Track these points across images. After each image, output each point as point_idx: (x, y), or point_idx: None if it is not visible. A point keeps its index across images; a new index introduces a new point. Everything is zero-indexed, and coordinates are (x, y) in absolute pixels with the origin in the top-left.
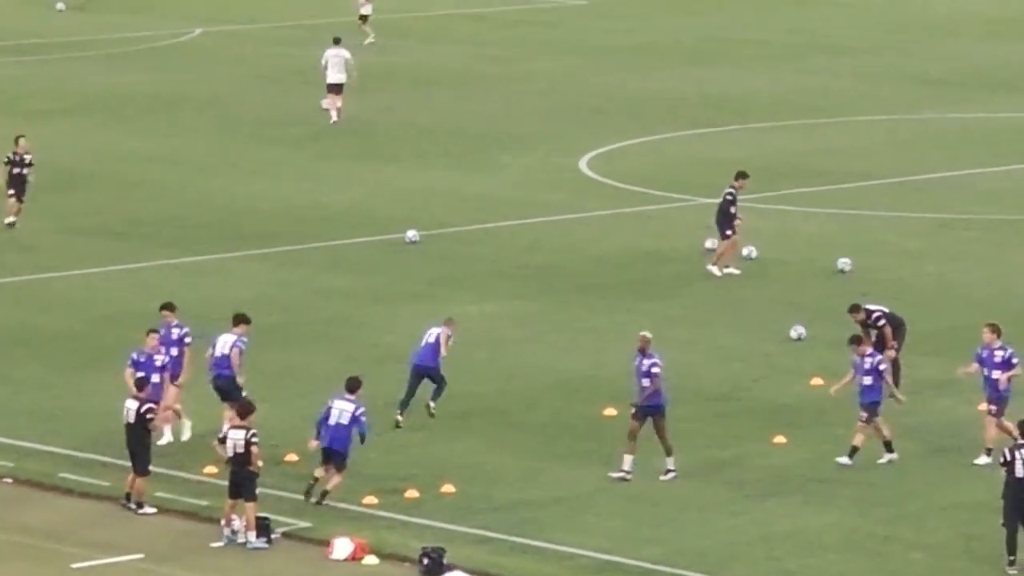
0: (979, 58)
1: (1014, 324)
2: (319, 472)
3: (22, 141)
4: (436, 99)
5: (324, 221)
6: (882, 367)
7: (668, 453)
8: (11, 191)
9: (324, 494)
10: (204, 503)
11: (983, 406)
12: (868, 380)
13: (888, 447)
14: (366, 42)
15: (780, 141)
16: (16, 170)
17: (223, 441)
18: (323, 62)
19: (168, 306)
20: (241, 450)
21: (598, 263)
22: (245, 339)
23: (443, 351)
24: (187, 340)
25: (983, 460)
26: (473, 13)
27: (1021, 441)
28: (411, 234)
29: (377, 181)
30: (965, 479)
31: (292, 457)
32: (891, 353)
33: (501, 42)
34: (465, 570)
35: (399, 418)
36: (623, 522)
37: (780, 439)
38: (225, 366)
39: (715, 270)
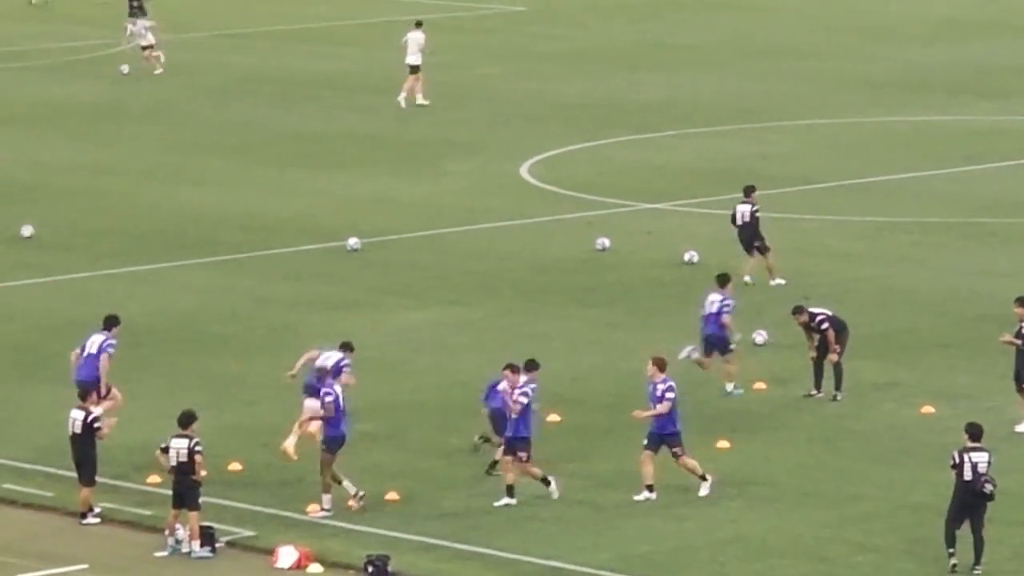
0: (921, 61)
1: (956, 327)
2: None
3: None
4: (377, 106)
5: (266, 229)
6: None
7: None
8: None
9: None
10: (148, 513)
11: (926, 409)
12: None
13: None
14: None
15: (721, 146)
16: None
17: (166, 451)
18: (403, 42)
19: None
20: (184, 459)
21: (540, 269)
22: (114, 342)
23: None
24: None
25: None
26: (414, 20)
27: (971, 444)
28: (352, 242)
29: (319, 189)
30: (909, 482)
31: (236, 466)
32: (833, 357)
33: (442, 49)
34: None
35: None
36: (567, 528)
37: (723, 444)
38: (91, 367)
39: (779, 280)
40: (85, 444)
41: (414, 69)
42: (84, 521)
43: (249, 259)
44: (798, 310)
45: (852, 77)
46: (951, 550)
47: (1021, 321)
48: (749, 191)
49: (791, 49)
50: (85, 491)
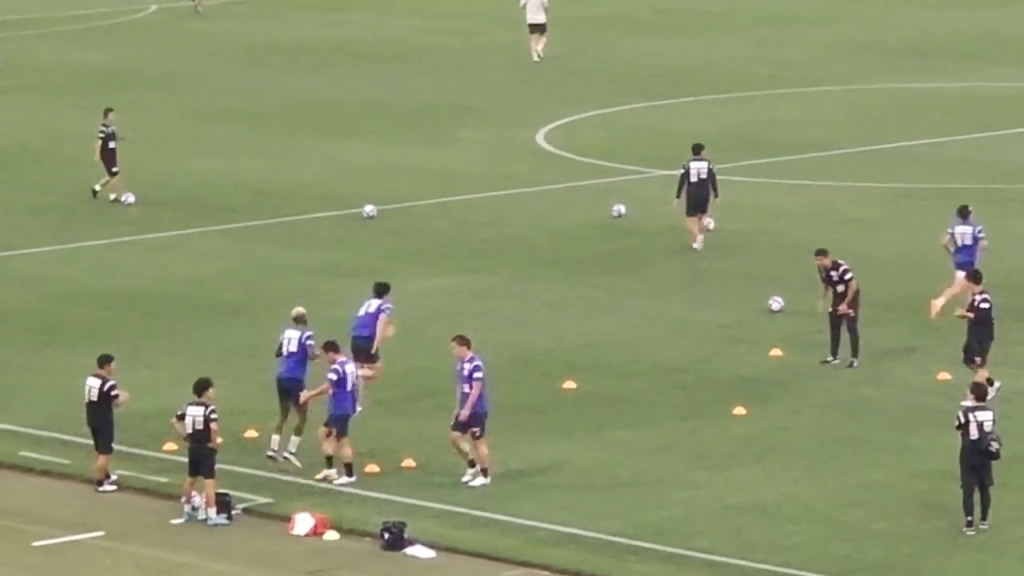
0: (936, 28)
1: None
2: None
3: (111, 115)
4: (392, 73)
5: (282, 197)
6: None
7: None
8: (115, 168)
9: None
10: (164, 480)
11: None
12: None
13: (349, 471)
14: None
15: (737, 112)
16: (112, 143)
17: (181, 418)
18: (522, 3)
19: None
20: (200, 427)
21: (556, 236)
22: (390, 305)
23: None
24: None
25: None
26: None
27: (975, 404)
28: (368, 209)
29: (334, 156)
30: (925, 449)
31: (252, 433)
32: (848, 310)
33: (457, 15)
34: (426, 544)
35: None
36: (582, 495)
37: (739, 410)
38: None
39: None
40: (102, 411)
41: (537, 28)
42: (100, 488)
43: (264, 226)
44: (821, 252)
45: (868, 43)
46: (969, 518)
47: (973, 294)
48: (699, 148)
49: (806, 16)
50: (102, 458)
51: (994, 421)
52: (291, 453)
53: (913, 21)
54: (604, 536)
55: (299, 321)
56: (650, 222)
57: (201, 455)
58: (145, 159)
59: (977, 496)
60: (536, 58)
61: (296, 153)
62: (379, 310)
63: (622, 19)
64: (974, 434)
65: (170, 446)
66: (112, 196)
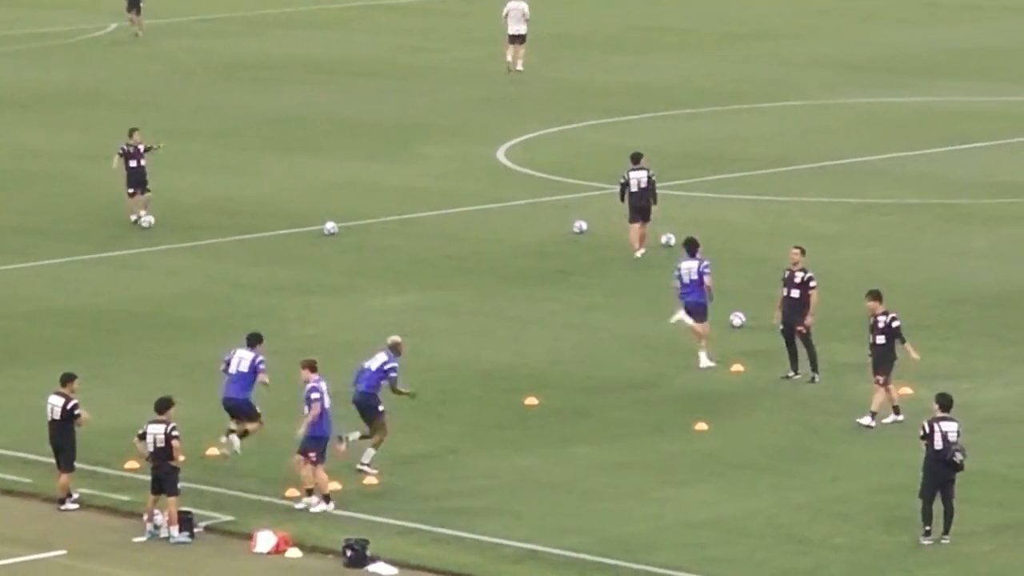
0: (896, 43)
1: (933, 309)
2: None
3: (137, 134)
4: (354, 91)
5: (244, 214)
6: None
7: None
8: (131, 189)
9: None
10: (126, 498)
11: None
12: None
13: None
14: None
15: (698, 128)
16: (132, 163)
17: (143, 437)
18: (504, 13)
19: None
20: (162, 444)
21: (518, 253)
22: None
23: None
24: None
25: None
26: (389, 4)
27: (940, 414)
28: (330, 226)
29: (296, 173)
30: (887, 464)
31: (213, 451)
32: (801, 330)
33: (418, 32)
34: (388, 561)
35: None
36: (546, 511)
37: (702, 426)
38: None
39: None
40: (64, 430)
41: (517, 39)
42: (63, 507)
43: (227, 244)
44: (799, 248)
45: (828, 59)
46: (927, 527)
47: (874, 315)
48: (638, 158)
49: (767, 31)
50: (64, 477)
51: (959, 432)
52: (365, 464)
53: (873, 37)
54: (567, 552)
55: (394, 349)
56: (611, 238)
57: (163, 473)
58: (106, 177)
59: (941, 510)
60: (509, 71)
61: (259, 170)
62: (254, 367)
63: (582, 36)
64: (938, 444)
65: (132, 464)
66: (132, 217)
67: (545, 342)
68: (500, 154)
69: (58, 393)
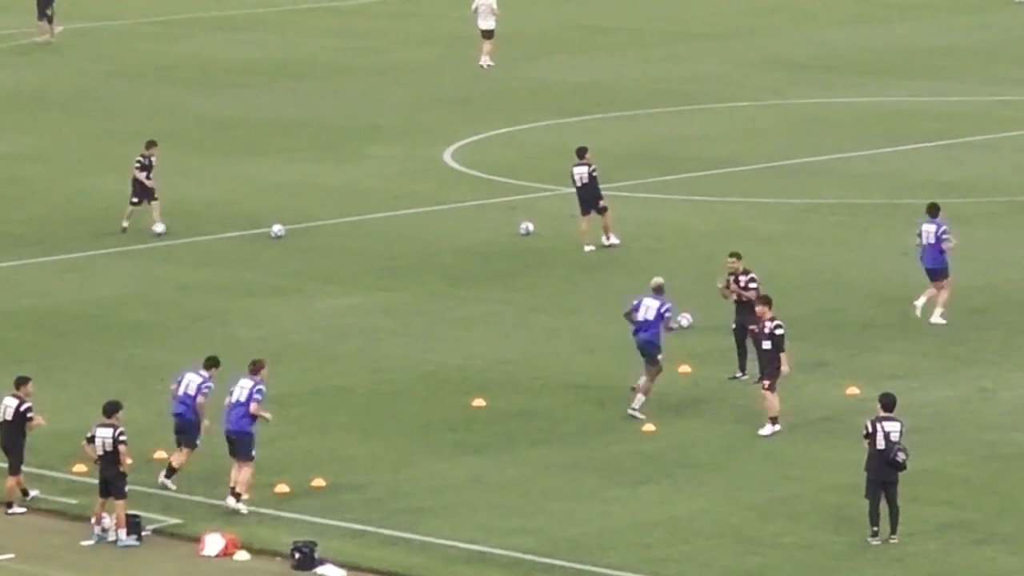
0: (842, 43)
1: (880, 308)
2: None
3: (154, 148)
4: (301, 92)
5: (189, 216)
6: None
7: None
8: (135, 199)
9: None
10: (74, 502)
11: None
12: None
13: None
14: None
15: (645, 129)
16: (143, 174)
17: (91, 440)
18: (473, 8)
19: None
20: (110, 448)
21: (465, 254)
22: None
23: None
24: None
25: None
26: (334, 7)
27: (883, 414)
28: (276, 228)
29: (241, 175)
30: (835, 463)
31: (161, 454)
32: (754, 328)
33: (364, 35)
34: (336, 563)
35: None
36: (494, 512)
37: (649, 427)
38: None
39: (613, 239)
40: (15, 432)
41: (487, 34)
42: (10, 511)
43: (172, 246)
44: (735, 255)
45: (774, 59)
46: (875, 528)
47: (764, 320)
48: (582, 152)
49: (713, 32)
50: (11, 480)
51: (901, 432)
52: (634, 409)
53: (819, 37)
54: (515, 554)
55: (657, 290)
56: (558, 239)
57: (112, 477)
58: (51, 180)
59: (887, 510)
60: (482, 65)
61: (204, 172)
62: (200, 390)
63: (529, 36)
64: (881, 444)
65: (80, 467)
66: (124, 224)
67: (492, 343)
68: (447, 155)
69: (13, 395)
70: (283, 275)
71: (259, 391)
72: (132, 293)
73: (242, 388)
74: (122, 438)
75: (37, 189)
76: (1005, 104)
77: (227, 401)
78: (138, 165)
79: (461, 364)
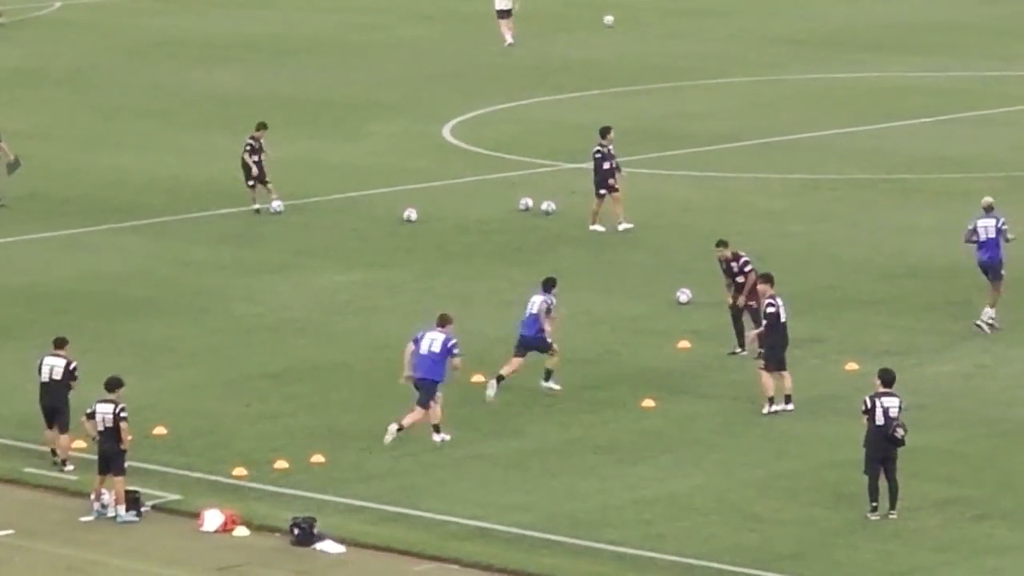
0: (842, 19)
1: (880, 284)
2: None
3: (263, 131)
4: (300, 68)
5: (190, 192)
6: None
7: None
8: (250, 182)
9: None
10: (74, 478)
11: (851, 365)
12: None
13: None
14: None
15: (644, 105)
16: (255, 157)
17: (92, 416)
18: None
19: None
20: (110, 424)
21: (464, 230)
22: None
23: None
24: None
25: None
26: None
27: (882, 390)
28: (276, 204)
29: (240, 152)
30: (834, 439)
31: (160, 430)
32: (751, 304)
33: (364, 10)
34: (335, 539)
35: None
36: (494, 489)
37: (649, 403)
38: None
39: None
40: (61, 392)
41: (504, 13)
42: (67, 468)
43: (173, 223)
44: (722, 243)
45: (774, 35)
46: (874, 503)
47: (766, 298)
48: (605, 132)
49: (712, 7)
50: (64, 438)
51: (900, 408)
52: (984, 322)
53: (819, 12)
54: (515, 530)
55: (988, 210)
56: (558, 215)
57: (111, 453)
58: (53, 156)
59: (886, 486)
60: (506, 43)
61: (204, 149)
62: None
63: (528, 13)
64: (879, 420)
65: (80, 444)
66: (256, 206)
67: (492, 320)
68: (446, 131)
69: (55, 354)
70: (283, 251)
71: (455, 344)
72: (132, 270)
73: (432, 340)
74: (123, 414)
75: (37, 165)
76: (1005, 80)
77: (410, 349)
78: (248, 148)
79: (461, 340)
